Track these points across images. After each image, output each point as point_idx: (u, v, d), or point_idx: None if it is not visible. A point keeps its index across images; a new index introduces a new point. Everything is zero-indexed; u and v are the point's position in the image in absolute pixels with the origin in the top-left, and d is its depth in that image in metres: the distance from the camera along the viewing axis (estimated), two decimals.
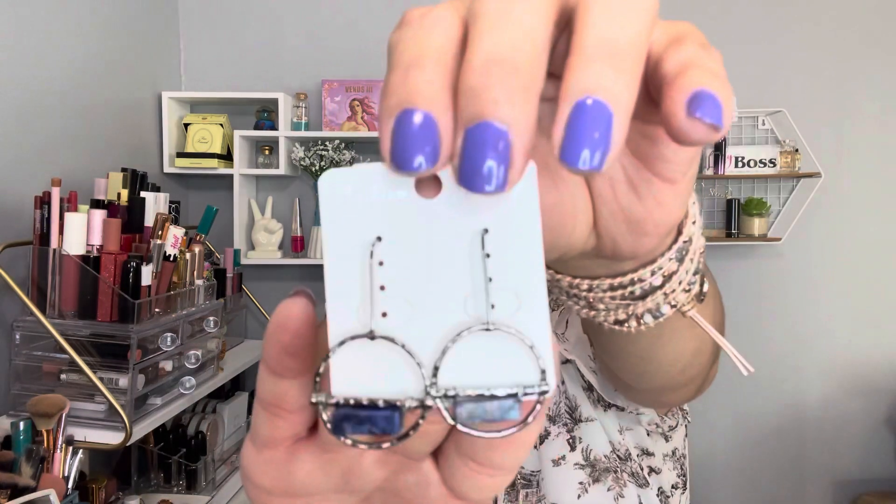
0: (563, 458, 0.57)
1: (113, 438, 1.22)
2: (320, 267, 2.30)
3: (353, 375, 0.18)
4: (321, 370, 0.18)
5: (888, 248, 2.33)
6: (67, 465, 1.18)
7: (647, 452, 0.59)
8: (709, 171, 2.26)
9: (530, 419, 0.18)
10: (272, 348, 0.19)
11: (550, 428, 0.59)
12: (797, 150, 2.23)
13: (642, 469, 0.58)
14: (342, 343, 0.18)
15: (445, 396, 0.17)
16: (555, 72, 0.19)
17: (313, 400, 0.18)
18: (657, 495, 0.59)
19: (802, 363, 2.37)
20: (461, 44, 0.17)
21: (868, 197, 2.33)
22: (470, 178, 0.16)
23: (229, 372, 1.68)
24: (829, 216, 2.33)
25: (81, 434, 1.22)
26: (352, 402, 0.17)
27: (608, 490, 0.56)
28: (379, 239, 0.18)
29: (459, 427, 0.17)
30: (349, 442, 0.18)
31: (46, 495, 1.07)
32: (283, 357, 0.19)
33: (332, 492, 0.21)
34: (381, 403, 0.17)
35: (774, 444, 2.40)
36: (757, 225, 2.25)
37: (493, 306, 0.18)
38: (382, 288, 0.18)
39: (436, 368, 0.17)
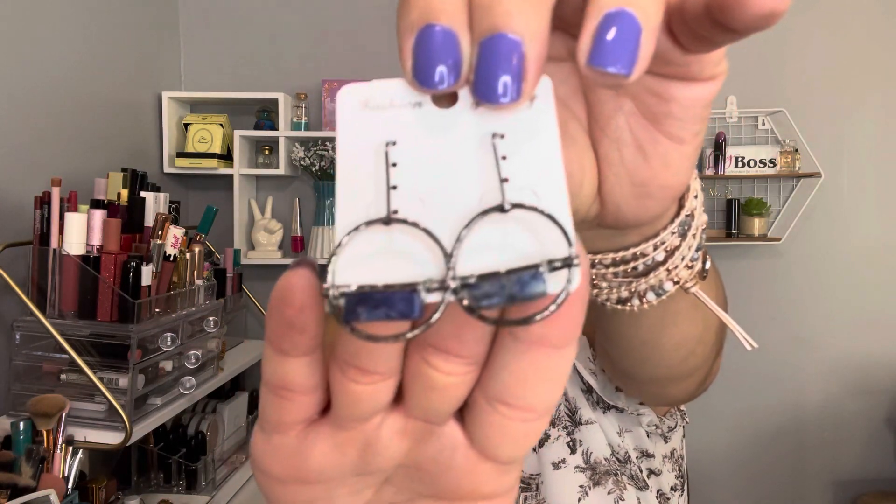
0: (564, 461, 0.57)
1: (113, 438, 1.22)
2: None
3: (364, 265, 0.16)
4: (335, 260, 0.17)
5: (888, 248, 2.33)
6: (67, 465, 1.18)
7: (646, 454, 0.59)
8: (709, 171, 2.26)
9: (562, 295, 0.16)
10: (276, 324, 0.18)
11: (550, 431, 0.59)
12: (797, 150, 2.23)
13: (641, 471, 0.58)
14: (356, 229, 0.17)
15: (463, 285, 0.16)
16: (557, 26, 0.19)
17: (324, 286, 0.16)
18: (656, 497, 0.58)
19: (802, 363, 2.37)
20: None
21: (868, 197, 2.33)
22: (485, 90, 0.16)
23: (229, 372, 1.68)
24: (829, 216, 2.33)
25: (81, 434, 1.22)
26: (367, 288, 0.16)
27: (608, 493, 0.56)
28: (393, 143, 0.17)
29: (482, 313, 0.16)
30: (365, 333, 0.16)
31: (46, 495, 1.07)
32: (289, 333, 0.17)
33: (350, 475, 0.20)
34: (397, 287, 0.16)
35: (774, 444, 2.40)
36: (757, 225, 2.25)
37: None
38: (395, 187, 0.17)
39: (451, 255, 0.16)
